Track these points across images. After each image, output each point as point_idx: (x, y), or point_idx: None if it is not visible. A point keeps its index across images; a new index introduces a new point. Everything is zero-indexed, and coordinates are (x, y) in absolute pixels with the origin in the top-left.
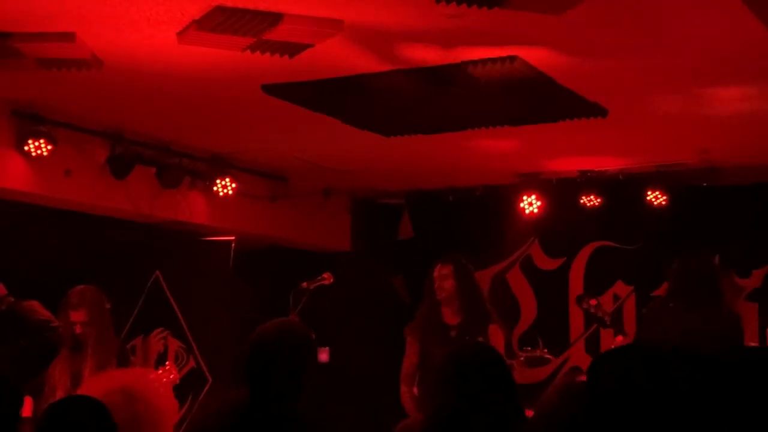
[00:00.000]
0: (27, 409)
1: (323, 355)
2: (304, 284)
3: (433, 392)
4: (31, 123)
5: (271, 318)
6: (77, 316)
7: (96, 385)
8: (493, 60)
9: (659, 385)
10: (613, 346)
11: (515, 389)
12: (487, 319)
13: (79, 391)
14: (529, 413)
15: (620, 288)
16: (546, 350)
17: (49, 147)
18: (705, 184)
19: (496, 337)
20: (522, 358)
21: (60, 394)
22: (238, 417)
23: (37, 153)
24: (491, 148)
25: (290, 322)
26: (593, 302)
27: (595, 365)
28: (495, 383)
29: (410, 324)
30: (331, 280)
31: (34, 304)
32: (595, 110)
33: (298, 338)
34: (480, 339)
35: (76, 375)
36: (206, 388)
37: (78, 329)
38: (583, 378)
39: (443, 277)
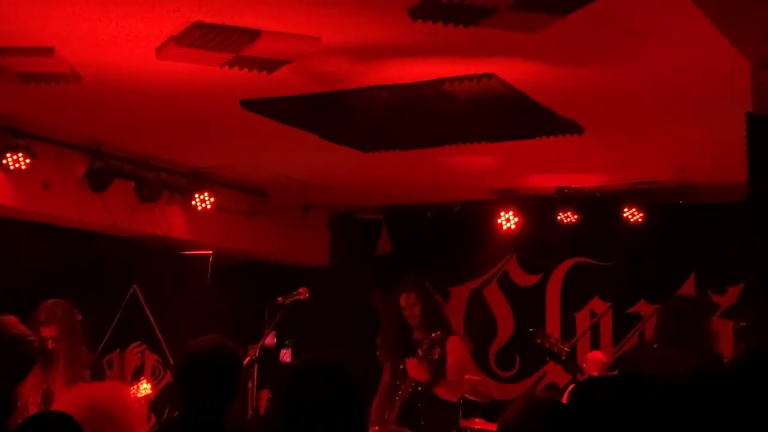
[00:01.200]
0: None
1: (286, 356)
2: (280, 299)
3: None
4: (9, 137)
5: (246, 332)
6: (48, 332)
7: (67, 400)
8: (470, 77)
9: (639, 410)
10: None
11: (353, 401)
12: (447, 332)
13: (52, 407)
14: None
15: (597, 304)
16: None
17: (27, 161)
18: (681, 202)
19: (457, 348)
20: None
21: (32, 410)
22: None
23: (15, 167)
24: (469, 165)
25: (219, 339)
26: (549, 335)
27: (577, 390)
28: (330, 396)
29: (380, 350)
30: (307, 295)
31: (12, 319)
32: (571, 127)
33: (226, 354)
34: (438, 352)
35: (47, 390)
36: None
37: (49, 344)
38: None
39: (411, 306)
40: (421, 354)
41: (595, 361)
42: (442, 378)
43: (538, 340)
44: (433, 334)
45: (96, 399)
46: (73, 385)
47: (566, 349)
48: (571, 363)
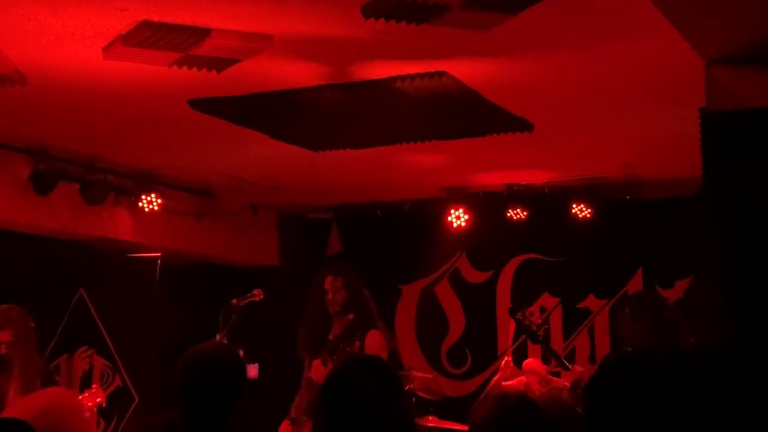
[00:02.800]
0: None
1: (252, 371)
2: (234, 301)
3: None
4: None
5: (197, 335)
6: (2, 336)
7: (20, 407)
8: (422, 75)
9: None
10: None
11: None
12: (369, 325)
13: (5, 414)
14: (464, 427)
15: (547, 300)
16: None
17: None
18: (629, 198)
19: (375, 342)
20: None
21: None
22: None
23: None
24: (419, 163)
25: (223, 344)
26: (530, 313)
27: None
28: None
29: (301, 340)
30: (261, 297)
31: None
32: (522, 125)
33: (231, 359)
34: (357, 345)
35: (1, 396)
36: (133, 406)
37: (2, 349)
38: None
39: (336, 290)
40: (325, 354)
41: (532, 370)
42: None
43: (518, 317)
44: (347, 322)
45: (48, 406)
46: (28, 391)
47: (541, 333)
48: (546, 345)
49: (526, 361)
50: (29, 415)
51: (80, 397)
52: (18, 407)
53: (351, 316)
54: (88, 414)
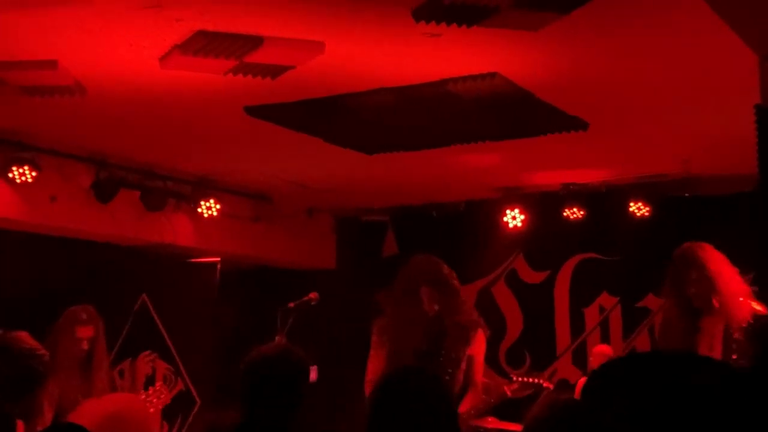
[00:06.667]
0: None
1: (312, 374)
2: (291, 304)
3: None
4: (15, 150)
5: (256, 338)
6: (86, 332)
7: (88, 411)
8: (473, 77)
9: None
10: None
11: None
12: (474, 326)
13: (73, 416)
14: (518, 427)
15: (606, 299)
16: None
17: (33, 173)
18: (687, 195)
19: (482, 346)
20: (515, 386)
21: (48, 417)
22: None
23: (21, 180)
24: (473, 164)
25: (286, 346)
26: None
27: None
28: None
29: (380, 319)
30: (317, 300)
31: (22, 335)
32: (576, 124)
33: (294, 361)
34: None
35: (86, 391)
36: (195, 410)
37: (85, 345)
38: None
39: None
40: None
41: (600, 355)
42: (469, 385)
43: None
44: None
45: (113, 410)
46: (106, 387)
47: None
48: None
49: (597, 346)
50: (93, 420)
51: (145, 395)
52: (85, 412)
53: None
54: (151, 418)
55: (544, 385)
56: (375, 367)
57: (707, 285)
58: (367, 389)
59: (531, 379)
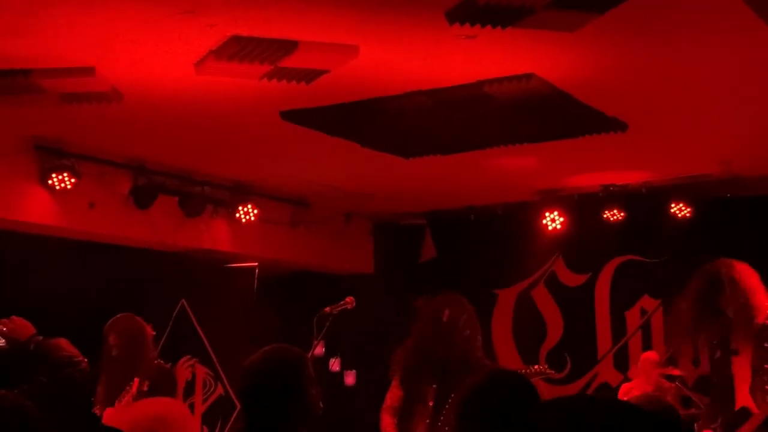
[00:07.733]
0: None
1: (349, 378)
2: (327, 309)
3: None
4: (54, 157)
5: (294, 342)
6: (111, 340)
7: (127, 415)
8: (509, 78)
9: None
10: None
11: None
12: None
13: (111, 419)
14: None
15: (647, 302)
16: (545, 366)
17: (72, 180)
18: (729, 195)
19: None
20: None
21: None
22: None
23: (61, 187)
24: (511, 166)
25: (277, 348)
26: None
27: None
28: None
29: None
30: (354, 304)
31: (61, 342)
32: (615, 125)
33: (284, 361)
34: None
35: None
36: (235, 413)
37: (114, 351)
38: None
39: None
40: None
41: (647, 361)
42: None
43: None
44: None
45: (155, 413)
46: (125, 397)
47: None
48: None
49: (644, 353)
50: (137, 424)
51: (185, 405)
52: (125, 415)
53: None
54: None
55: (546, 371)
56: (394, 395)
57: (742, 302)
58: (383, 418)
59: (535, 368)
